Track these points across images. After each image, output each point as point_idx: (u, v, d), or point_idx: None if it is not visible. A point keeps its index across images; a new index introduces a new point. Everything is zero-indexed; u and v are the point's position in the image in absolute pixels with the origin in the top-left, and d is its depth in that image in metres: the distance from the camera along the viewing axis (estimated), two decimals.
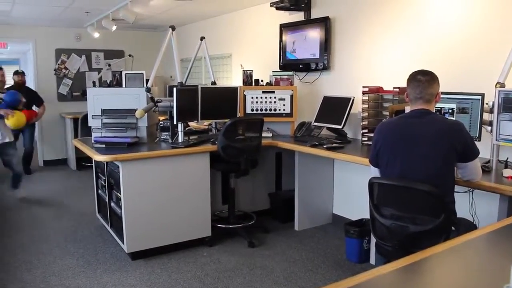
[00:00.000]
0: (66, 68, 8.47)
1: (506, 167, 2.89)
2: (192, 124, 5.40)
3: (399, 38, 4.12)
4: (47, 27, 8.17)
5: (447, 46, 3.70)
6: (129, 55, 8.29)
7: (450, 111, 3.26)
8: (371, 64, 4.43)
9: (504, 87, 3.03)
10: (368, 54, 4.45)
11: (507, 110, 2.93)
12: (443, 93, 3.33)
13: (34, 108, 7.17)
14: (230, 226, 4.55)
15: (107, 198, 4.50)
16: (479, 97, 3.11)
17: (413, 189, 2.35)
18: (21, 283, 3.64)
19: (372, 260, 3.66)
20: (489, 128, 3.09)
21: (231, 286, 3.55)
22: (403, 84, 4.00)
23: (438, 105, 3.32)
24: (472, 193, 3.41)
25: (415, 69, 3.93)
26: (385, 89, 4.14)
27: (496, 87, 3.03)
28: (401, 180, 2.45)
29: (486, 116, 3.14)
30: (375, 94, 4.14)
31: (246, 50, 6.46)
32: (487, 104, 3.12)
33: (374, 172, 2.77)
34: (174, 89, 4.27)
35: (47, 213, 5.48)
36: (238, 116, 4.86)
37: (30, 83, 8.20)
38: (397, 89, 3.93)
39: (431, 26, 3.82)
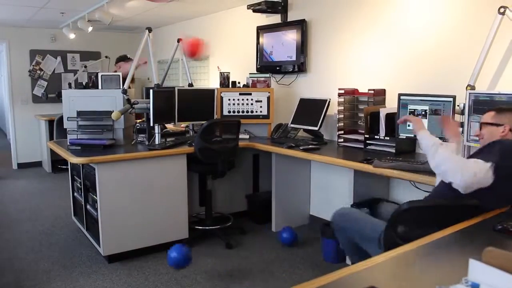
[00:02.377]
0: (41, 70, 8.34)
1: None
2: (169, 126, 5.38)
3: (374, 41, 4.19)
4: (21, 28, 8.04)
5: (420, 49, 3.78)
6: (106, 57, 8.20)
7: (423, 112, 3.33)
8: (346, 67, 4.49)
9: (474, 89, 3.12)
10: (344, 56, 4.51)
11: (477, 112, 3.01)
12: (416, 95, 3.42)
13: None
14: (207, 227, 4.55)
15: (83, 200, 4.46)
16: (451, 99, 3.20)
17: None
18: None
19: (349, 261, 3.71)
20: (460, 129, 3.17)
21: (209, 287, 3.55)
22: (378, 86, 4.10)
23: (411, 107, 3.39)
24: None
25: (390, 71, 4.04)
26: (360, 91, 4.20)
27: (466, 90, 3.11)
28: None
29: (457, 118, 3.22)
30: (351, 96, 4.20)
31: (223, 52, 6.47)
32: (458, 106, 3.20)
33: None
34: (151, 90, 4.26)
35: (21, 217, 5.39)
36: (215, 118, 4.87)
37: (4, 85, 8.06)
38: (372, 91, 4.00)
39: (405, 30, 3.90)
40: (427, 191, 3.63)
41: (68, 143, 4.29)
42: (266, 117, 4.92)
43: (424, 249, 1.70)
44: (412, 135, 3.40)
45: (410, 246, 1.72)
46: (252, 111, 4.92)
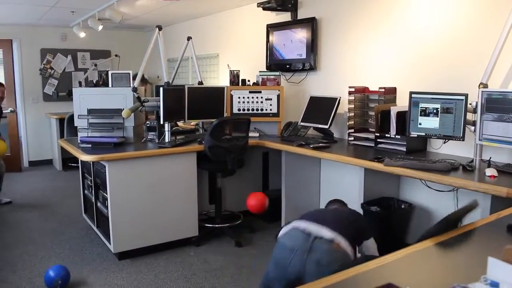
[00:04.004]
0: (51, 68, 8.40)
1: (488, 166, 2.93)
2: (179, 124, 5.39)
3: (385, 39, 4.16)
4: (32, 27, 8.09)
5: (432, 47, 3.75)
6: (116, 55, 8.25)
7: (435, 111, 3.30)
8: (357, 65, 4.47)
9: (487, 87, 3.09)
10: (354, 54, 4.49)
11: (489, 110, 2.98)
12: (427, 93, 3.39)
13: None
14: (217, 225, 4.56)
15: (93, 198, 4.48)
16: (463, 97, 3.16)
17: None
18: (6, 284, 3.61)
19: None
20: (472, 128, 3.14)
21: (218, 285, 3.55)
22: (389, 84, 4.08)
23: (423, 105, 3.37)
24: (457, 192, 3.46)
25: (401, 69, 4.01)
26: (371, 89, 4.18)
27: (479, 88, 3.08)
28: None
29: (469, 116, 3.19)
30: (361, 94, 4.18)
31: (233, 50, 6.47)
32: (470, 104, 3.17)
33: None
34: (161, 89, 4.26)
35: (33, 214, 5.43)
36: (225, 116, 4.87)
37: (16, 83, 8.12)
38: (383, 90, 3.97)
39: (417, 27, 3.87)
40: (438, 190, 3.62)
41: (79, 141, 4.30)
42: (276, 115, 4.91)
43: (438, 247, 1.69)
44: (423, 134, 3.39)
45: (423, 244, 1.70)
46: (262, 109, 4.91)
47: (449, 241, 1.75)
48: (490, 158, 3.07)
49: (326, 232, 2.32)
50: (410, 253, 1.62)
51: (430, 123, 3.34)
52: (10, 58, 8.05)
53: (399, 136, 3.67)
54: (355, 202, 3.70)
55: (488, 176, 2.79)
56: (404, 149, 3.62)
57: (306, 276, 2.29)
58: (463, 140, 3.19)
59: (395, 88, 4.05)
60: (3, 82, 7.93)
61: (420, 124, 3.39)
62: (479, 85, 3.11)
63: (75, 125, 4.40)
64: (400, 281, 1.34)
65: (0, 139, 5.65)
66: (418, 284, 1.38)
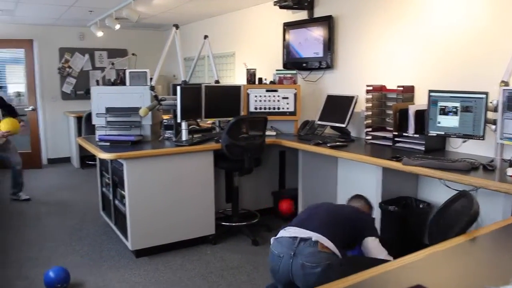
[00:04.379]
0: (69, 67, 8.49)
1: (510, 165, 2.89)
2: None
3: (403, 36, 4.13)
4: (50, 26, 8.19)
5: (452, 44, 3.70)
6: (132, 54, 8.32)
7: (454, 109, 3.26)
8: (374, 63, 4.44)
9: (508, 85, 3.04)
10: (371, 52, 4.46)
11: (511, 109, 2.93)
12: (446, 91, 3.35)
13: None
14: (234, 224, 4.56)
15: (111, 196, 4.52)
16: (483, 95, 3.12)
17: None
18: (27, 280, 3.66)
19: None
20: (493, 126, 3.10)
21: (235, 284, 3.56)
22: (407, 82, 4.04)
23: (442, 103, 3.33)
24: (477, 192, 3.41)
25: (419, 67, 3.97)
26: (388, 87, 4.15)
27: (500, 86, 3.04)
28: None
29: (490, 115, 3.15)
30: (379, 93, 4.15)
31: (249, 48, 6.47)
32: (491, 102, 3.12)
33: None
34: (178, 87, 4.28)
35: (52, 211, 5.50)
36: (241, 114, 4.87)
37: (36, 82, 8.24)
38: (401, 88, 3.94)
39: (436, 25, 3.82)
40: (456, 190, 3.57)
41: (97, 139, 4.34)
42: (293, 113, 4.90)
43: (459, 248, 1.67)
44: (442, 133, 3.35)
45: (444, 245, 1.68)
46: (278, 108, 4.90)
47: (471, 243, 1.73)
48: None
49: (310, 234, 2.40)
50: (432, 253, 1.60)
51: (449, 122, 3.30)
52: (31, 58, 8.17)
53: (417, 135, 3.63)
54: (372, 201, 3.67)
55: (510, 176, 2.75)
56: (422, 148, 3.58)
57: (295, 279, 2.39)
58: (483, 139, 3.14)
59: (413, 87, 4.01)
60: (25, 81, 8.08)
61: (439, 123, 3.36)
62: (500, 83, 3.06)
63: (93, 123, 4.44)
64: (427, 282, 1.33)
65: (15, 119, 5.60)
66: (447, 286, 1.36)
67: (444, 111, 3.32)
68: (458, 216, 2.18)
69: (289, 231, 2.51)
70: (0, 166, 6.09)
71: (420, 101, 3.90)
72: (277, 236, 2.56)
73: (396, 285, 1.36)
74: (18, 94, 9.35)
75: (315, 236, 2.38)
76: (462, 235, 1.76)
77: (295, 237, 2.42)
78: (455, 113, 3.26)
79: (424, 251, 1.60)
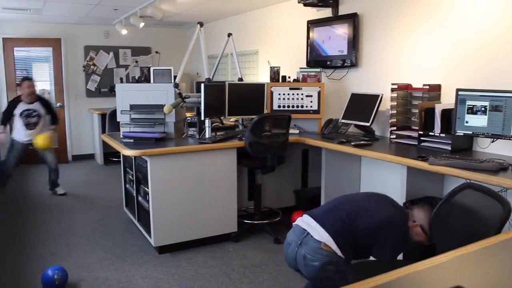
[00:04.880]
0: (94, 65, 8.60)
1: None
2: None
3: (429, 33, 4.06)
4: (76, 25, 8.31)
5: (480, 42, 3.62)
6: (156, 52, 8.38)
7: (483, 109, 3.20)
8: (400, 61, 4.37)
9: None
10: (397, 50, 4.40)
11: None
12: (475, 90, 3.28)
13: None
14: (256, 222, 4.56)
15: (134, 192, 4.56)
16: None
17: None
18: None
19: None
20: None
21: (257, 281, 3.56)
22: (433, 81, 3.97)
23: (470, 102, 3.27)
24: (506, 193, 3.34)
25: (446, 65, 3.90)
26: (414, 86, 4.09)
27: None
28: None
29: None
30: (404, 91, 4.09)
31: (273, 46, 6.45)
32: None
33: None
34: (202, 85, 4.29)
35: (76, 206, 5.58)
36: (265, 112, 4.86)
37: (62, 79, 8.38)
38: (427, 86, 3.88)
39: (464, 21, 3.75)
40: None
41: (121, 136, 4.39)
42: (317, 112, 4.86)
43: (490, 249, 1.63)
44: (470, 132, 3.29)
45: (474, 246, 1.64)
46: (302, 106, 4.88)
47: (499, 245, 1.69)
48: None
49: (318, 232, 2.44)
50: (466, 253, 1.57)
51: (477, 121, 3.24)
52: (58, 56, 8.31)
53: (443, 135, 3.57)
54: (397, 201, 3.62)
55: None
56: (448, 148, 3.52)
57: (299, 267, 2.50)
58: None
59: (439, 85, 3.95)
60: (53, 79, 8.23)
61: (466, 122, 3.29)
62: None
63: (118, 120, 4.48)
64: (464, 283, 1.30)
65: (44, 134, 5.72)
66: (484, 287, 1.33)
67: (472, 110, 3.25)
68: (479, 216, 2.14)
69: (304, 221, 2.57)
70: (40, 162, 6.25)
71: (447, 100, 3.83)
72: (294, 224, 2.64)
73: (433, 285, 1.33)
74: (44, 92, 9.50)
75: (324, 236, 2.42)
76: (495, 236, 1.72)
77: (305, 229, 2.49)
78: (484, 112, 3.19)
79: (456, 251, 1.57)
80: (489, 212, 2.24)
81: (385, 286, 1.33)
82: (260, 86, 4.92)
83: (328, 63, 5.14)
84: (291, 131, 4.53)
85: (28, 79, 5.96)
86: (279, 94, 4.91)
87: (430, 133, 3.67)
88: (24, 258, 4.04)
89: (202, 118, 4.34)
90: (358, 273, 2.37)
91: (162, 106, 4.26)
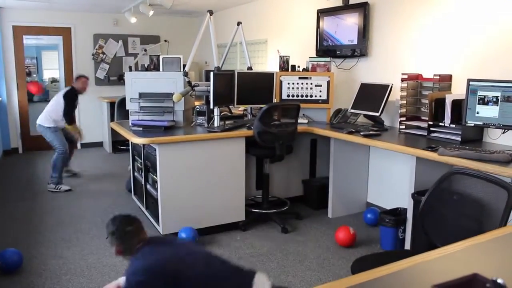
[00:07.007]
0: (103, 53, 8.61)
1: None
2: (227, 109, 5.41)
3: (440, 23, 4.02)
4: (85, 13, 8.31)
5: (492, 32, 3.58)
6: (165, 41, 8.38)
7: (494, 99, 3.17)
8: (410, 51, 4.34)
9: None
10: (407, 40, 4.36)
11: None
12: (487, 80, 3.25)
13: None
14: (264, 211, 4.57)
15: (143, 180, 4.58)
16: None
17: None
18: (62, 259, 3.75)
19: (408, 247, 3.62)
20: None
21: (264, 270, 3.56)
22: (444, 71, 3.94)
23: (481, 93, 3.24)
24: None
25: (457, 56, 3.86)
26: (424, 76, 4.06)
27: None
28: None
29: None
30: (414, 81, 4.07)
31: (282, 36, 6.42)
32: None
33: None
34: (211, 73, 4.28)
35: (85, 194, 5.62)
36: (274, 101, 4.85)
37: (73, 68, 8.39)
38: (438, 77, 3.85)
39: (475, 11, 3.70)
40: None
41: (130, 124, 4.40)
42: (326, 101, 4.85)
43: (499, 241, 1.62)
44: (481, 123, 3.26)
45: (494, 233, 1.64)
46: (311, 96, 4.86)
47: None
48: None
49: None
50: (479, 243, 1.56)
51: (488, 112, 3.21)
52: (69, 44, 8.32)
53: (453, 125, 3.55)
54: (405, 192, 3.62)
55: None
56: (458, 138, 3.49)
57: None
58: None
59: (450, 76, 3.91)
60: (63, 67, 8.25)
61: (477, 113, 3.27)
62: None
63: (127, 108, 4.49)
64: (484, 270, 1.29)
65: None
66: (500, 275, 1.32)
67: (483, 101, 3.23)
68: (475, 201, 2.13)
69: None
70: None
71: (457, 90, 3.80)
72: None
73: (445, 274, 1.32)
74: (53, 80, 9.53)
75: None
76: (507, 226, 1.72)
77: None
78: (496, 103, 3.17)
79: (468, 241, 1.56)
80: (487, 198, 2.24)
81: (397, 275, 1.33)
82: (269, 75, 4.90)
83: (338, 52, 5.11)
84: (300, 120, 4.51)
85: (86, 76, 6.13)
86: (288, 83, 4.89)
87: (440, 124, 3.65)
88: (33, 243, 4.08)
89: (211, 107, 4.33)
90: (366, 265, 2.37)
91: (171, 94, 4.27)
